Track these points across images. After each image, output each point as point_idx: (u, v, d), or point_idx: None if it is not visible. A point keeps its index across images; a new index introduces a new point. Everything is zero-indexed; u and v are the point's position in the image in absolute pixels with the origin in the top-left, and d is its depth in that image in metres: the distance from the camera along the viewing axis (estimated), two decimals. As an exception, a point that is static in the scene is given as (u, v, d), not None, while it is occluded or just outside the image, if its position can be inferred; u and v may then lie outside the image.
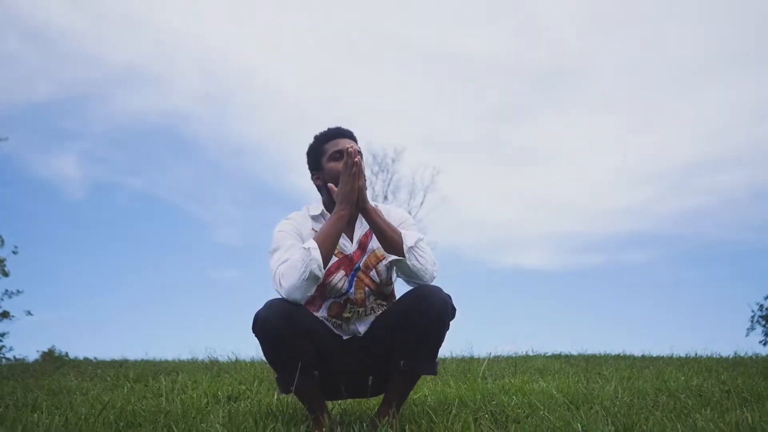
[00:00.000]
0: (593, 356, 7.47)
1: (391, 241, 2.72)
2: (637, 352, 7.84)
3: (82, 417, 2.85)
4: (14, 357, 20.56)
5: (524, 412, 3.08)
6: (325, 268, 2.65)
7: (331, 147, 2.91)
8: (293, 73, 35.33)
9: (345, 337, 2.88)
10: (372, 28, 34.86)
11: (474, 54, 33.42)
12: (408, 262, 2.69)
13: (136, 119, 31.65)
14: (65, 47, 31.01)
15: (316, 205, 2.97)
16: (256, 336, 2.64)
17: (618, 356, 7.49)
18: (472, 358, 6.92)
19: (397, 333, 2.71)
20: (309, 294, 2.65)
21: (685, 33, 30.41)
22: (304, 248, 2.62)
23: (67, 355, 21.50)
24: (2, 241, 23.73)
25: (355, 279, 2.86)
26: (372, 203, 2.97)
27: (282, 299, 2.64)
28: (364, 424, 2.65)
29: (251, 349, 8.33)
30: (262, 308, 2.63)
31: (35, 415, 2.90)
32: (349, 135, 2.96)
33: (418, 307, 2.65)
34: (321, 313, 2.88)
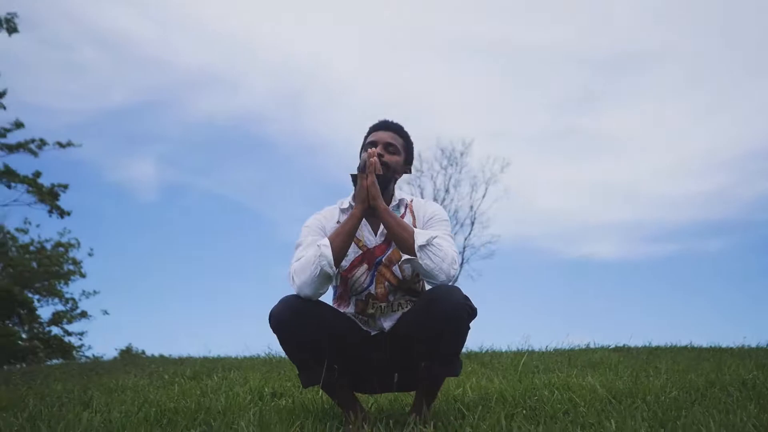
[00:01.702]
0: (657, 348, 7.26)
1: (402, 241, 2.68)
2: (707, 344, 7.60)
3: (123, 414, 2.92)
4: (93, 355, 21.47)
5: (563, 408, 3.01)
6: (337, 265, 2.65)
7: (369, 138, 2.94)
8: (362, 70, 35.67)
9: (372, 333, 2.88)
10: (439, 22, 34.79)
11: (541, 43, 32.99)
12: (420, 262, 2.63)
13: (206, 122, 32.50)
14: (136, 54, 32.03)
15: (348, 197, 2.97)
16: (272, 331, 2.67)
17: (683, 348, 7.25)
18: (527, 352, 6.83)
19: (414, 335, 2.69)
20: (322, 291, 2.67)
21: (755, 18, 29.27)
22: (317, 245, 2.64)
23: (143, 352, 22.32)
24: (78, 243, 24.82)
25: (376, 273, 2.85)
26: (407, 198, 2.96)
27: (296, 295, 2.65)
28: (391, 422, 2.63)
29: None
30: (276, 304, 2.66)
31: (77, 413, 2.99)
32: (390, 128, 2.96)
33: (429, 309, 2.61)
34: (349, 310, 2.89)
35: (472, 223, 27.37)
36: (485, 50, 34.89)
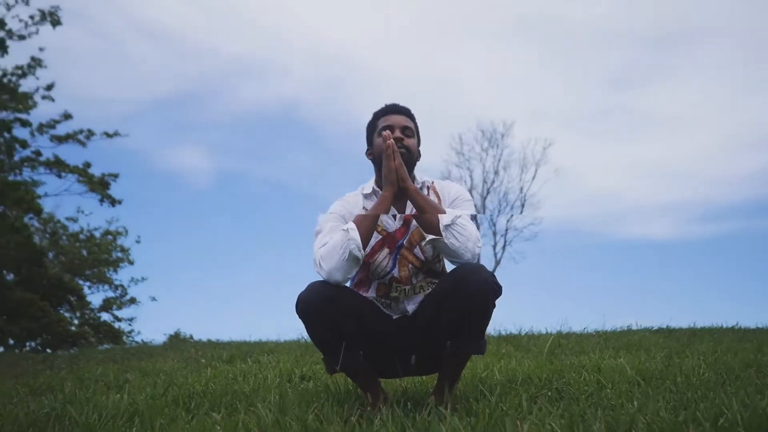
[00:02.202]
0: (700, 330, 7.12)
1: (429, 221, 2.66)
2: (755, 325, 7.42)
3: (149, 397, 2.97)
4: (142, 340, 21.95)
5: (589, 389, 2.96)
6: (364, 247, 2.64)
7: (381, 123, 2.91)
8: (403, 52, 35.51)
9: (395, 317, 2.87)
10: (480, 1, 34.40)
11: (586, 20, 32.39)
12: (446, 241, 2.61)
13: (255, 109, 32.86)
14: (183, 43, 32.48)
15: (370, 182, 2.96)
16: (299, 317, 2.68)
17: (728, 329, 7.09)
18: (562, 334, 6.76)
19: (440, 314, 2.68)
20: (350, 275, 2.66)
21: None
22: (343, 230, 2.64)
23: (191, 337, 22.72)
24: (126, 231, 25.35)
25: (398, 256, 2.84)
26: (428, 180, 2.95)
27: (323, 281, 2.66)
28: (409, 404, 2.62)
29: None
30: (303, 290, 2.66)
31: (107, 395, 3.05)
32: (402, 111, 2.93)
33: (457, 287, 2.60)
34: (370, 294, 2.88)
35: (522, 205, 27.13)
36: (529, 27, 34.41)
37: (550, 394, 2.93)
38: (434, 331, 2.73)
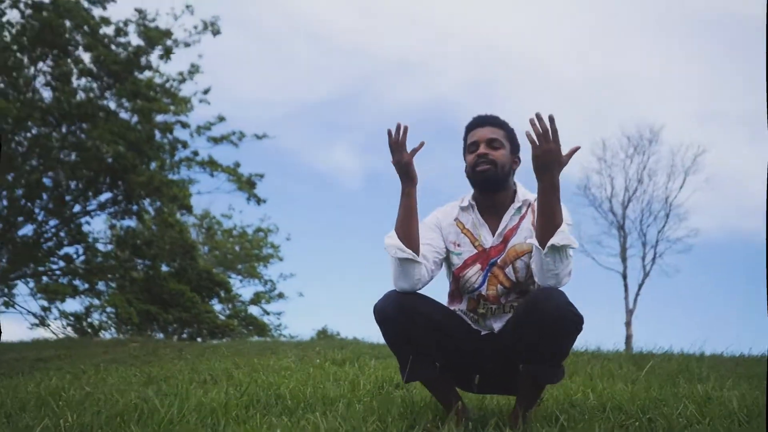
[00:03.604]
0: None
1: (544, 227, 2.49)
2: None
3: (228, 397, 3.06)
4: (289, 334, 22.79)
5: (685, 422, 2.74)
6: (409, 246, 2.60)
7: (469, 138, 2.85)
8: (555, 52, 34.77)
9: (483, 333, 2.81)
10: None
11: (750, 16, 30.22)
12: (543, 257, 2.48)
13: (406, 110, 33.32)
14: (342, 45, 33.61)
15: (469, 195, 2.90)
16: (377, 325, 2.68)
17: None
18: (699, 356, 6.31)
19: (515, 337, 2.59)
20: (417, 280, 2.63)
21: None
22: (385, 237, 2.65)
23: (338, 334, 23.34)
24: (277, 228, 26.42)
25: (489, 274, 2.76)
26: (531, 197, 2.81)
27: (400, 290, 2.65)
28: (479, 424, 2.53)
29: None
30: (381, 298, 2.66)
31: (191, 390, 3.17)
32: (488, 122, 2.85)
33: (531, 312, 2.50)
34: (461, 307, 2.84)
35: (667, 216, 25.64)
36: (686, 24, 32.61)
37: (637, 424, 2.74)
38: (512, 353, 2.65)
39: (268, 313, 24.38)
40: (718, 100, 33.34)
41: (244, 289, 24.75)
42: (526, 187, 2.88)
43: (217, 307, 20.26)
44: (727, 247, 33.62)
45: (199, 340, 15.49)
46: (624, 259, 25.15)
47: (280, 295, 25.15)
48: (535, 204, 2.77)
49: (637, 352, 7.13)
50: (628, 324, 23.86)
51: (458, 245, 2.80)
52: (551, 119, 2.40)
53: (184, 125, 17.22)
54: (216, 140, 17.95)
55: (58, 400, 3.22)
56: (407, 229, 2.63)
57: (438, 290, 2.90)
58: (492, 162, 2.75)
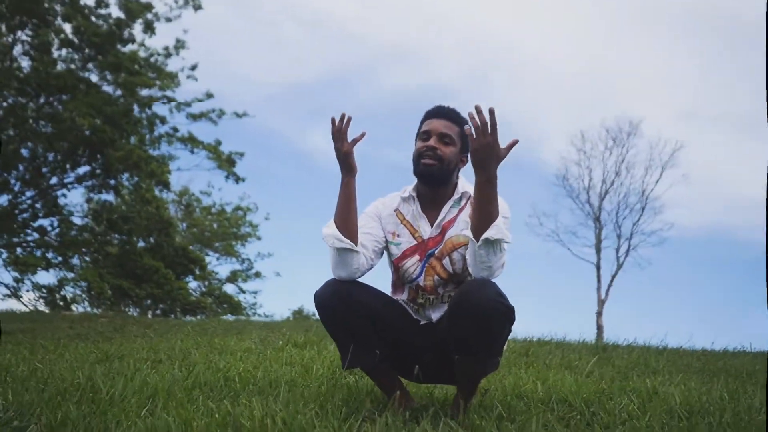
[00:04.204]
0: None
1: (479, 220, 2.46)
2: None
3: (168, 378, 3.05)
4: (264, 314, 22.80)
5: (626, 416, 2.76)
6: (347, 235, 2.60)
7: (424, 125, 2.83)
8: (549, 45, 34.80)
9: (422, 323, 2.82)
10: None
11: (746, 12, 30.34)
12: (477, 249, 2.46)
13: (398, 95, 33.24)
14: (333, 30, 33.42)
15: (412, 185, 2.89)
16: (316, 312, 2.70)
17: None
18: (662, 349, 6.38)
19: (450, 327, 2.58)
20: (356, 268, 2.64)
21: None
22: (323, 228, 2.66)
23: (314, 315, 23.33)
24: (257, 207, 26.34)
25: (426, 265, 2.77)
26: (471, 189, 2.81)
27: (339, 279, 2.66)
28: (418, 413, 2.54)
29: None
30: (320, 286, 2.67)
31: (139, 371, 3.16)
32: (446, 115, 2.80)
33: (462, 303, 2.49)
34: (403, 297, 2.85)
35: (643, 209, 25.80)
36: (686, 21, 32.67)
37: (579, 417, 2.76)
38: (448, 343, 2.65)
39: (244, 292, 24.38)
40: (700, 97, 33.47)
41: (221, 267, 24.74)
42: (468, 180, 2.87)
43: (193, 284, 20.26)
44: (702, 242, 33.92)
45: (172, 316, 15.44)
46: (598, 251, 25.34)
47: (257, 275, 25.12)
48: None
49: (602, 344, 7.19)
50: (599, 314, 24.09)
51: (397, 235, 2.80)
52: (491, 112, 2.35)
53: (171, 100, 17.15)
54: (195, 117, 17.88)
55: (5, 377, 3.20)
56: (345, 219, 2.63)
57: (381, 279, 2.92)
58: (439, 158, 2.73)
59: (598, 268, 25.05)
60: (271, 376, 3.39)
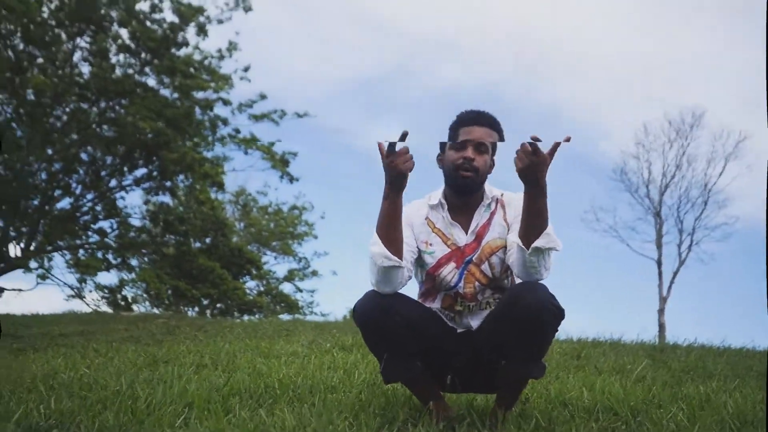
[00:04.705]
0: None
1: (529, 228, 2.44)
2: None
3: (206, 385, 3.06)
4: (321, 312, 22.95)
5: (677, 427, 2.65)
6: (395, 253, 2.51)
7: (462, 133, 2.73)
8: (601, 37, 34.21)
9: (459, 330, 2.77)
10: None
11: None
12: (527, 256, 2.44)
13: (453, 90, 33.14)
14: (387, 25, 33.54)
15: (438, 192, 2.84)
16: (357, 326, 2.65)
17: None
18: (716, 350, 6.14)
19: (496, 332, 2.56)
20: (399, 282, 2.57)
21: None
22: (369, 244, 2.56)
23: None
24: (312, 206, 26.52)
25: (465, 272, 2.71)
26: (498, 193, 2.77)
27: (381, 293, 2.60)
28: (456, 423, 2.49)
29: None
30: (360, 298, 2.62)
31: (177, 376, 3.18)
32: (486, 123, 2.73)
33: (513, 305, 2.47)
34: (435, 305, 2.80)
35: (705, 203, 25.02)
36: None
37: (624, 428, 2.66)
38: (492, 349, 2.61)
39: (301, 291, 24.57)
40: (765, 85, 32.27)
41: (278, 266, 24.96)
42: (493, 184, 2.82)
43: (251, 283, 20.51)
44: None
45: (228, 318, 15.69)
46: (659, 246, 24.66)
47: (314, 273, 25.24)
48: (504, 199, 2.76)
49: (661, 344, 6.98)
50: (661, 312, 23.48)
51: (429, 244, 2.74)
52: (535, 140, 2.34)
53: (226, 102, 17.37)
54: (257, 118, 18.05)
55: (51, 384, 3.25)
56: (392, 236, 2.54)
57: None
58: (475, 170, 2.67)
59: (659, 264, 24.41)
60: (311, 382, 3.37)
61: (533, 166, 2.36)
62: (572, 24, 36.22)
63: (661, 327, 22.45)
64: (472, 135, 2.69)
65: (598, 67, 34.10)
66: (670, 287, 24.00)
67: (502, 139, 2.74)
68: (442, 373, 2.77)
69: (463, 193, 2.74)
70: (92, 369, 3.78)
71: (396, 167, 2.44)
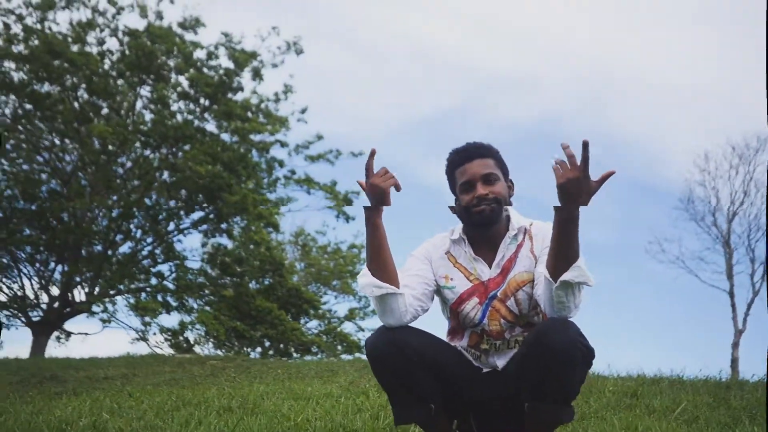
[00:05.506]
0: None
1: (558, 260, 2.26)
2: None
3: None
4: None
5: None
6: (385, 279, 2.40)
7: (459, 176, 2.61)
8: (661, 64, 33.67)
9: (484, 370, 2.58)
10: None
11: None
12: (555, 290, 2.25)
13: (512, 126, 33.02)
14: (446, 62, 33.79)
15: (460, 226, 2.69)
16: (368, 362, 2.51)
17: None
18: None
19: (521, 373, 2.37)
20: (401, 314, 2.43)
21: None
22: (359, 276, 2.47)
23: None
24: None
25: (489, 308, 2.54)
26: (527, 222, 2.60)
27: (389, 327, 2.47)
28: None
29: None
30: (372, 333, 2.50)
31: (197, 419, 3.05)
32: (479, 155, 2.60)
33: (539, 344, 2.28)
34: (462, 343, 2.63)
35: (775, 232, 23.82)
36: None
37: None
38: (516, 391, 2.41)
39: (362, 330, 24.40)
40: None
41: (339, 305, 24.86)
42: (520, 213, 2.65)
43: (312, 323, 20.45)
44: None
45: (284, 359, 15.64)
46: (730, 276, 23.60)
47: (374, 312, 24.96)
48: (532, 229, 2.59)
49: (726, 380, 6.53)
50: (735, 345, 22.36)
51: (450, 279, 2.60)
52: (584, 145, 2.15)
53: (283, 144, 17.63)
54: (313, 158, 18.26)
55: (64, 428, 3.18)
56: (380, 263, 2.44)
57: (438, 327, 2.71)
58: (494, 200, 2.53)
59: (732, 295, 23.34)
60: (331, 426, 3.20)
61: (572, 182, 2.16)
62: (630, 54, 35.67)
63: (734, 362, 21.36)
64: (469, 174, 2.57)
65: (659, 95, 33.37)
66: (745, 319, 22.90)
67: (498, 158, 2.61)
68: (462, 415, 2.58)
69: (487, 227, 2.58)
70: (113, 414, 3.69)
71: (377, 186, 2.41)
